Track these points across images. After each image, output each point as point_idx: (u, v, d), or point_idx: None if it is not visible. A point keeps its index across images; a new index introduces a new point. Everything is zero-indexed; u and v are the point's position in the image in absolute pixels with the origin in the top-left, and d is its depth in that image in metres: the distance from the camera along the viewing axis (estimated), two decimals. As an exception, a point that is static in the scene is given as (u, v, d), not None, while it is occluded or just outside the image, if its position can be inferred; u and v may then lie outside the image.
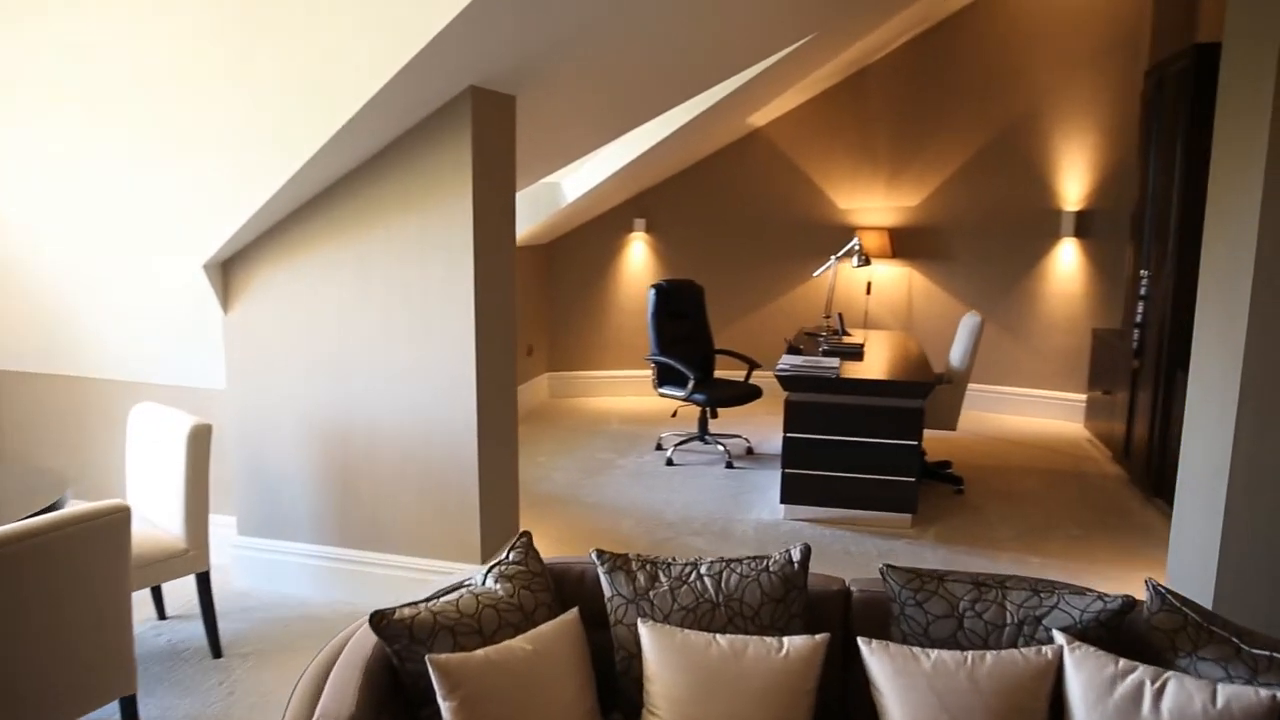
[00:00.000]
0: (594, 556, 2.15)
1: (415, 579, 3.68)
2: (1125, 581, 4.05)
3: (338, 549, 3.79)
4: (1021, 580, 2.05)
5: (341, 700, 1.77)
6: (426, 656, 1.80)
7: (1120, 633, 1.94)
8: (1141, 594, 3.83)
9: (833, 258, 6.29)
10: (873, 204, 7.32)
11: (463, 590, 2.05)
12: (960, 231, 7.15)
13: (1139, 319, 5.28)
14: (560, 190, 6.57)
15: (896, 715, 1.88)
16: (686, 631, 1.99)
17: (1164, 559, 4.32)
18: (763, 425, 6.75)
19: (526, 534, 2.24)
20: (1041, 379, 7.07)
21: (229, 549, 3.95)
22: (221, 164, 3.17)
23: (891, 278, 7.34)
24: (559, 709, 1.91)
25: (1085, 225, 6.80)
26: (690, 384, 5.66)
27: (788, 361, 4.92)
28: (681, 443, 6.09)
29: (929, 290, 7.28)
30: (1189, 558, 3.31)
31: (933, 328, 7.28)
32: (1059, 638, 1.90)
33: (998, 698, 1.84)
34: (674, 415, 7.05)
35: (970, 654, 1.90)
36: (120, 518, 2.40)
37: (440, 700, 1.80)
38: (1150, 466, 5.01)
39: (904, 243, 7.26)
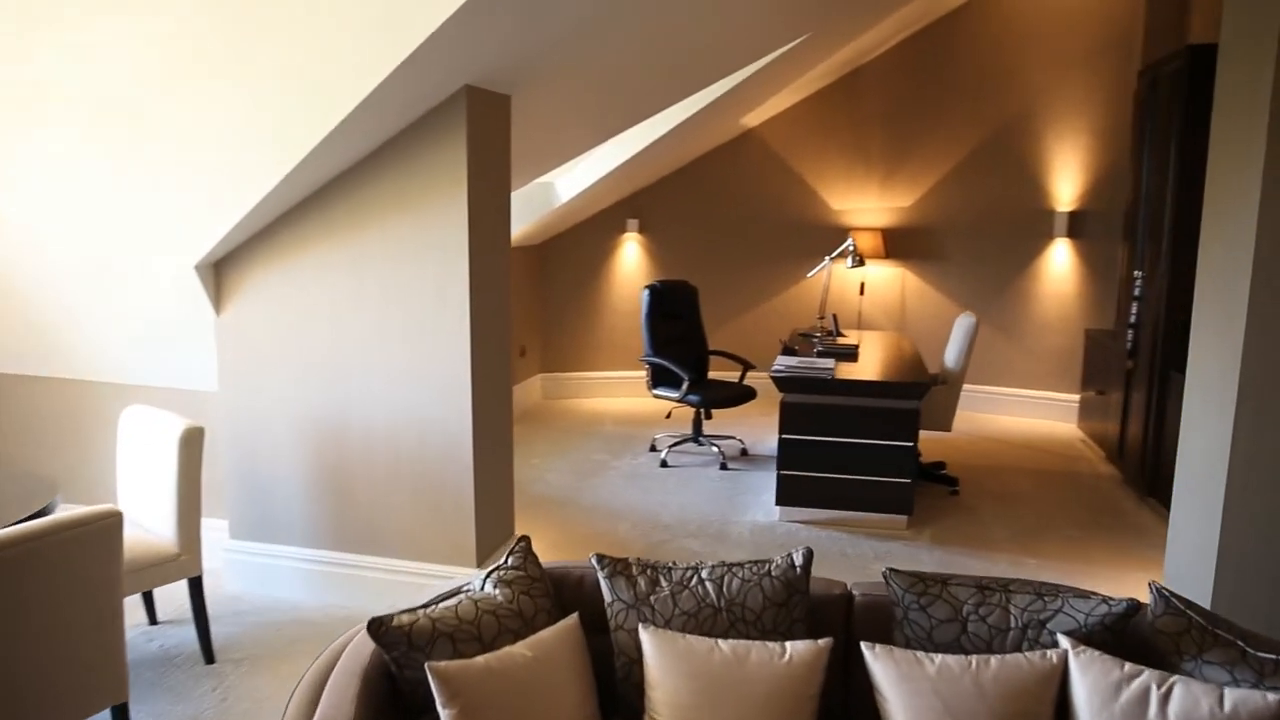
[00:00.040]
0: (594, 561, 2.13)
1: (410, 582, 3.65)
2: (1122, 582, 4.05)
3: (331, 552, 3.75)
4: (1025, 584, 2.04)
5: (339, 708, 1.74)
6: (426, 664, 1.78)
7: (1124, 636, 1.93)
8: (1140, 595, 3.84)
9: (827, 258, 6.28)
10: (866, 204, 7.31)
11: (461, 596, 2.02)
12: (953, 232, 7.15)
13: (1133, 319, 5.29)
14: (554, 190, 6.55)
15: (901, 721, 1.87)
16: (688, 637, 1.97)
17: (1160, 559, 4.32)
18: (757, 426, 6.74)
19: (525, 539, 2.21)
20: (1034, 379, 7.08)
21: (221, 553, 3.91)
22: (214, 163, 3.14)
23: (885, 278, 7.34)
24: (560, 716, 1.88)
25: (1078, 226, 6.81)
26: (685, 385, 5.64)
27: (783, 363, 4.91)
28: (676, 444, 6.07)
29: (922, 291, 7.28)
30: (1187, 558, 3.31)
31: (926, 328, 7.28)
32: (1064, 642, 1.89)
33: (1003, 702, 1.83)
34: (668, 416, 7.03)
35: (975, 658, 1.89)
36: (112, 523, 2.37)
37: (440, 708, 1.77)
38: (1144, 467, 5.02)
39: (897, 243, 7.26)
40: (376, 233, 3.47)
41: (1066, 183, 6.80)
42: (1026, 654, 1.88)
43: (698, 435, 6.03)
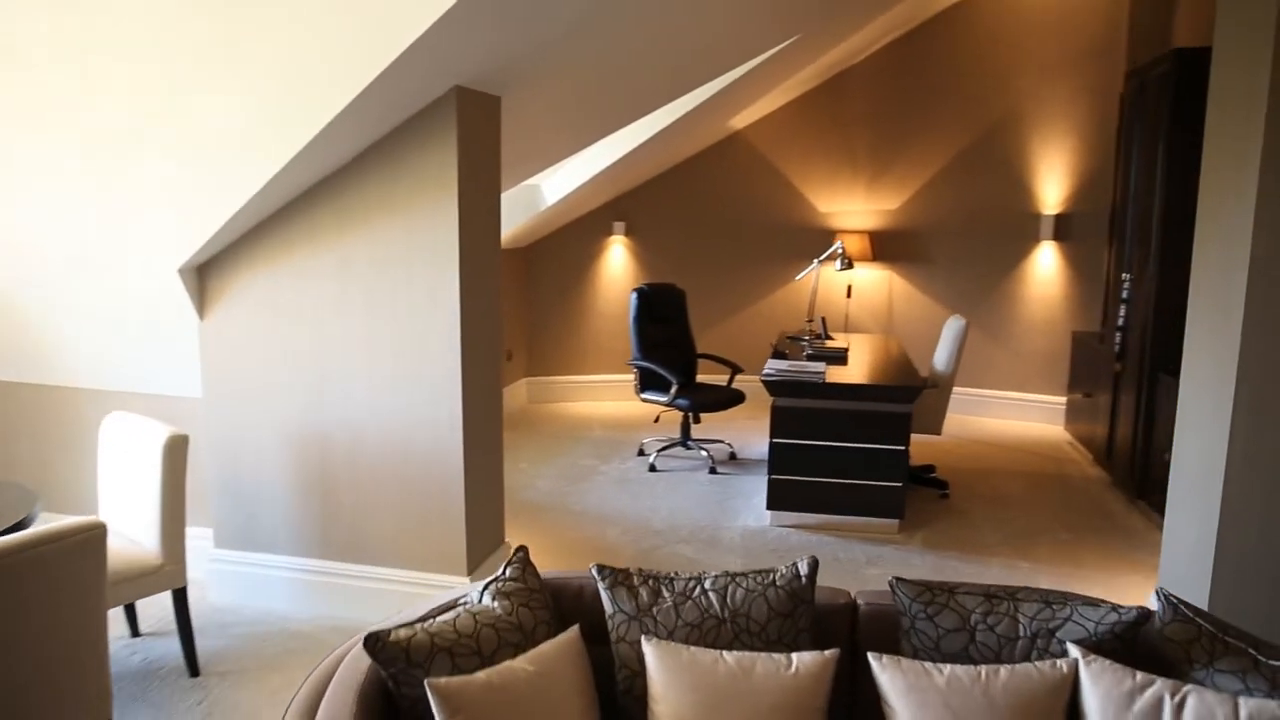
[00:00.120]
0: (594, 572, 2.08)
1: (399, 591, 3.58)
2: (1116, 586, 4.04)
3: (319, 561, 3.68)
4: (1032, 591, 2.01)
5: (336, 728, 1.69)
6: (425, 681, 1.72)
7: (1133, 645, 1.91)
8: (1134, 598, 3.84)
9: (815, 261, 6.26)
10: (853, 207, 7.31)
11: (459, 609, 1.97)
12: (940, 235, 7.15)
13: (1121, 322, 5.30)
14: (540, 193, 6.50)
15: (910, 733, 1.83)
16: (693, 649, 1.93)
17: (1150, 561, 4.32)
18: (745, 430, 6.71)
19: (523, 549, 2.17)
20: (1021, 382, 7.09)
21: (205, 563, 3.83)
22: (198, 166, 3.07)
23: (872, 281, 7.34)
24: (562, 732, 1.84)
25: (1064, 228, 6.83)
26: (673, 389, 5.60)
27: (774, 366, 4.88)
28: (664, 448, 6.03)
29: (909, 293, 7.28)
30: (1182, 562, 3.30)
31: (913, 331, 7.28)
32: (1074, 651, 1.86)
33: (1014, 713, 1.80)
34: (656, 420, 6.99)
35: (984, 669, 1.86)
36: (95, 535, 2.30)
37: (439, 726, 1.72)
38: (1134, 469, 5.03)
39: (884, 246, 7.26)
40: (364, 236, 3.41)
41: (1052, 186, 6.82)
42: (1036, 664, 1.86)
43: (686, 439, 6.00)
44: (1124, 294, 5.29)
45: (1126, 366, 5.22)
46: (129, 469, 3.15)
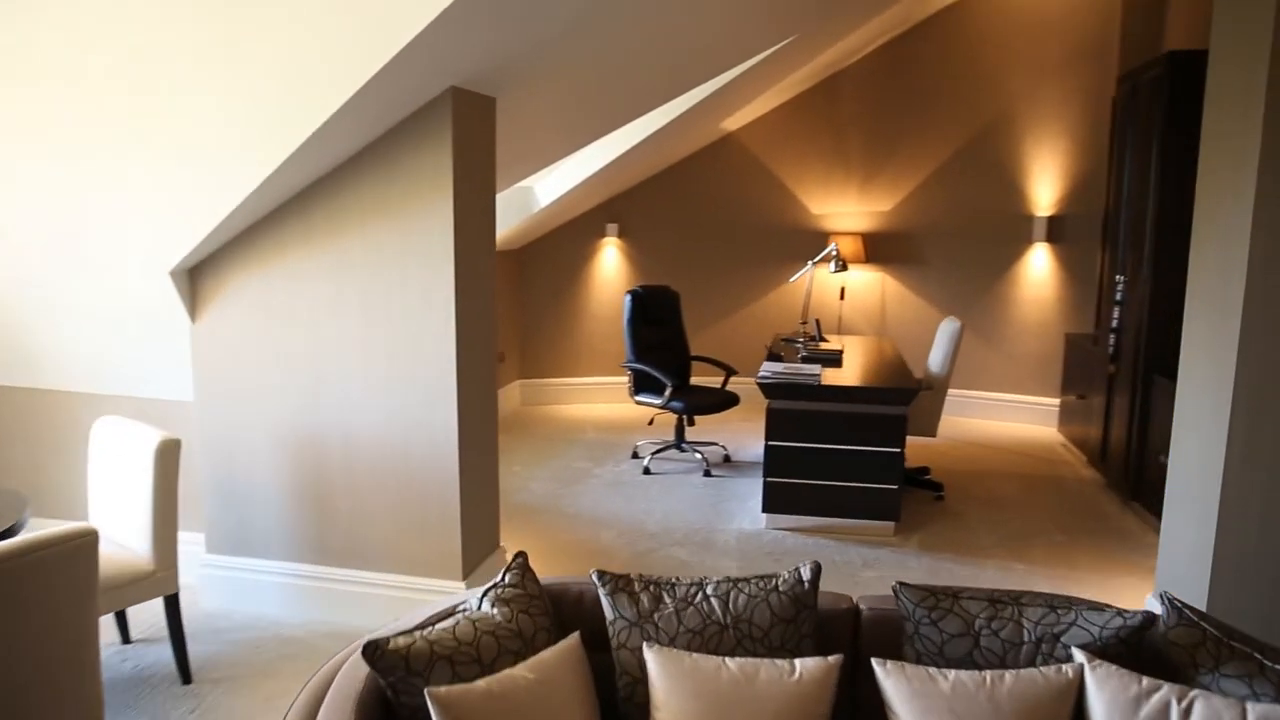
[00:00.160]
0: (594, 578, 2.06)
1: (394, 596, 3.55)
2: (1112, 588, 4.04)
3: (312, 566, 3.65)
4: (1037, 596, 2.00)
5: (334, 738, 1.66)
6: (425, 690, 1.70)
7: (1138, 649, 1.90)
8: (1134, 601, 3.83)
9: (809, 263, 6.25)
10: (846, 209, 7.31)
11: (459, 616, 1.95)
12: (933, 236, 7.16)
13: (1115, 323, 5.30)
14: (533, 194, 6.47)
15: (915, 740, 1.82)
16: (695, 655, 1.91)
17: (1145, 563, 4.32)
18: (739, 432, 6.70)
19: (522, 554, 2.14)
20: (1014, 383, 7.10)
21: (197, 568, 3.79)
22: (190, 167, 3.04)
23: (865, 283, 7.34)
24: (564, 740, 1.81)
25: (1056, 230, 6.84)
26: (668, 391, 5.59)
27: (769, 369, 4.86)
28: (658, 451, 6.01)
29: (902, 295, 7.28)
30: (1180, 564, 3.30)
31: (906, 333, 7.28)
32: (1079, 655, 1.85)
33: (1019, 719, 1.78)
34: (651, 423, 6.97)
35: (989, 674, 1.84)
36: (88, 542, 2.26)
37: (440, 735, 1.69)
38: (1128, 471, 5.03)
39: (877, 248, 7.26)
40: (359, 237, 3.38)
41: (1045, 188, 6.84)
42: (1042, 669, 1.84)
43: (680, 442, 5.98)
44: (1118, 296, 5.29)
45: (1121, 368, 5.23)
46: (120, 474, 3.11)
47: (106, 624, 3.51)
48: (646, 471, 5.70)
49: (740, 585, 2.02)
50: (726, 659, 1.90)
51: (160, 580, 3.05)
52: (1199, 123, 3.60)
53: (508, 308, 7.25)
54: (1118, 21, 6.44)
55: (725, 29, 4.17)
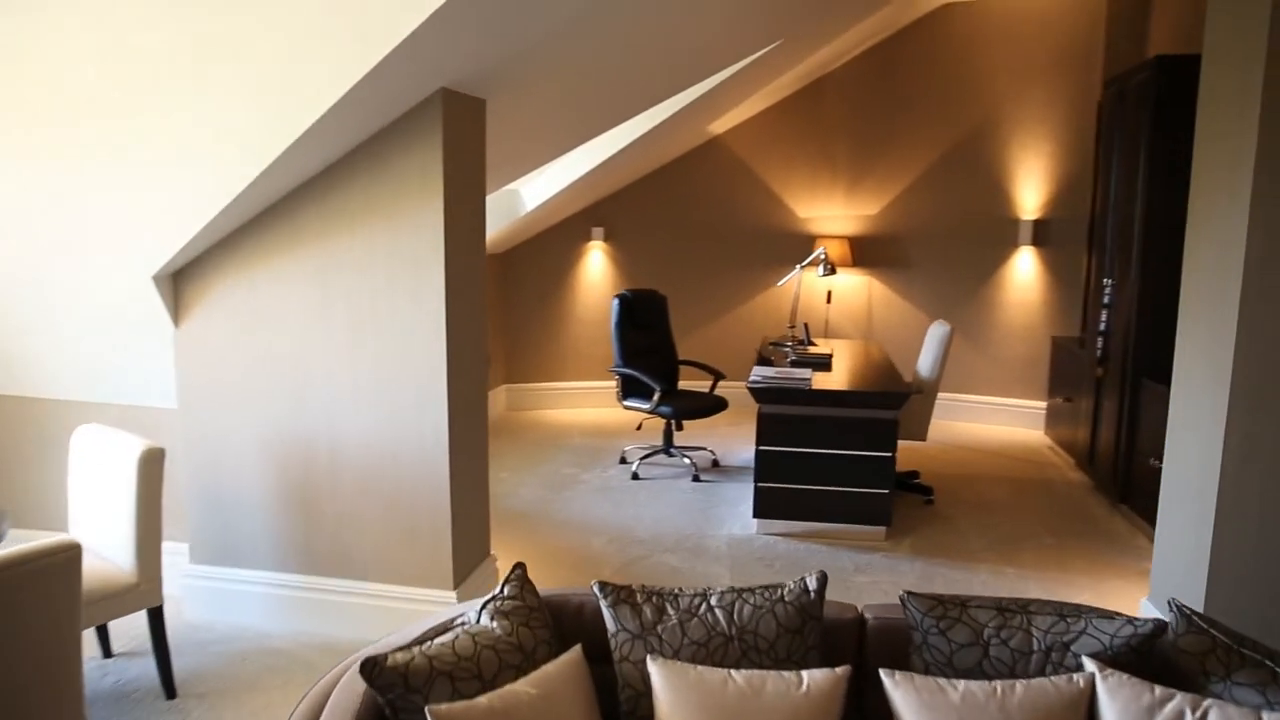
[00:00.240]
0: (596, 589, 2.02)
1: (384, 606, 3.49)
2: (1104, 591, 4.04)
3: (300, 576, 3.58)
4: (1045, 604, 1.97)
5: (332, 758, 1.61)
6: (426, 708, 1.65)
7: (1148, 657, 1.87)
8: (1128, 604, 3.82)
9: (798, 267, 6.24)
10: (832, 212, 7.30)
11: (457, 630, 1.90)
12: (919, 240, 7.17)
13: (1103, 327, 5.32)
14: (519, 198, 6.42)
15: (926, 752, 1.78)
16: (700, 668, 1.87)
17: (1136, 566, 4.32)
18: (727, 437, 6.67)
19: (521, 565, 2.10)
20: (1001, 386, 7.11)
21: (180, 579, 3.70)
22: (175, 168, 2.97)
23: (851, 286, 7.33)
24: (567, 757, 1.77)
25: (1042, 234, 6.86)
26: (656, 396, 5.55)
27: (760, 373, 4.83)
28: (646, 456, 5.97)
29: (889, 299, 7.29)
30: (1178, 569, 3.29)
31: (893, 336, 7.28)
32: (1089, 665, 1.82)
33: (1031, 731, 1.76)
34: (639, 428, 6.93)
35: (1000, 684, 1.81)
36: (70, 557, 2.19)
37: (441, 754, 1.64)
38: (1116, 474, 5.04)
39: (864, 251, 7.26)
40: (348, 240, 3.32)
41: (1030, 191, 6.86)
42: (1052, 678, 1.81)
43: (669, 447, 5.94)
44: (1106, 299, 5.31)
45: (1109, 371, 5.24)
46: (102, 483, 3.03)
47: (87, 637, 3.42)
48: (635, 477, 5.65)
49: (745, 596, 1.99)
50: (732, 671, 1.87)
51: (144, 593, 2.98)
52: (1187, 127, 3.60)
53: (493, 312, 7.19)
54: (1102, 26, 6.47)
55: (713, 33, 4.15)
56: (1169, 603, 1.95)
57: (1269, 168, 2.79)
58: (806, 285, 7.34)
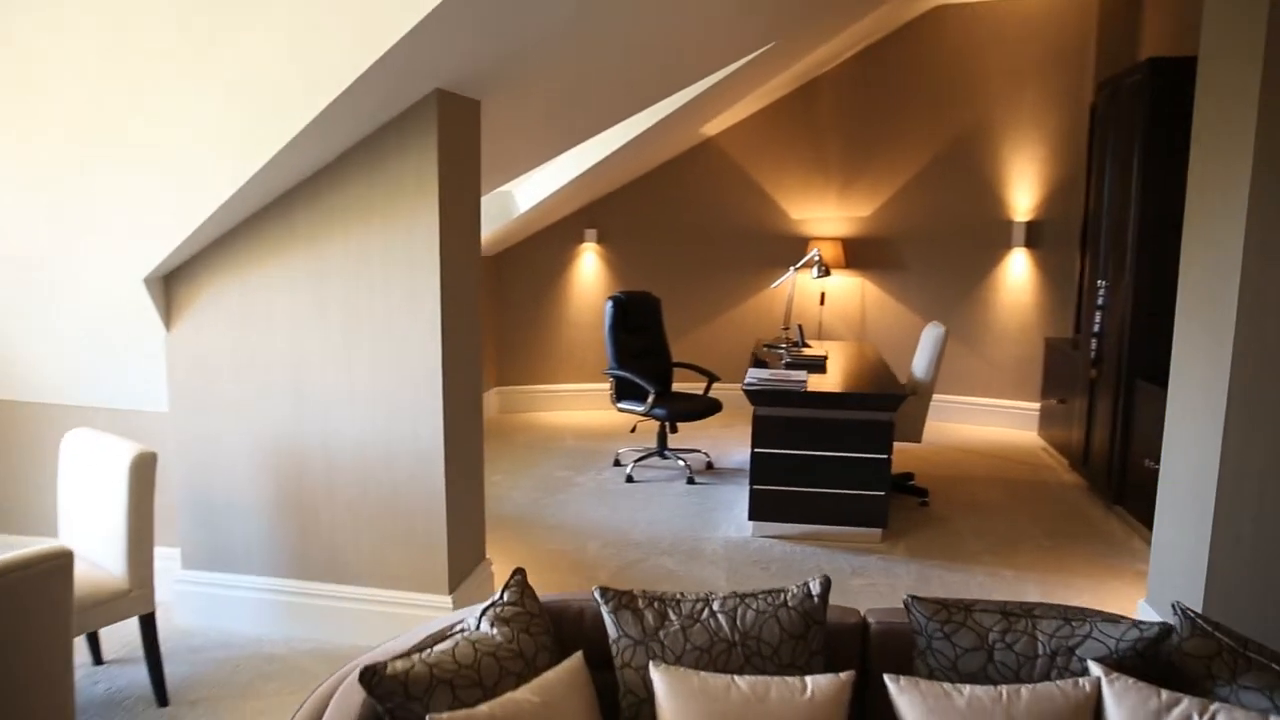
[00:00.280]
0: (597, 595, 1.99)
1: (378, 611, 3.46)
2: (1101, 592, 4.03)
3: (293, 581, 3.54)
4: (1050, 608, 1.96)
5: (331, 768, 1.58)
6: (427, 716, 1.62)
7: (1154, 661, 1.86)
8: (1125, 606, 3.82)
9: (792, 269, 6.23)
10: (825, 214, 7.30)
11: (457, 637, 1.87)
12: (912, 242, 7.17)
13: (1097, 328, 5.32)
14: (512, 200, 6.40)
15: (931, 758, 1.77)
16: (703, 674, 1.85)
17: (1132, 568, 4.32)
18: (721, 439, 6.65)
19: (520, 571, 2.07)
20: (994, 388, 7.12)
21: (172, 584, 3.66)
22: (167, 169, 2.93)
23: (845, 288, 7.33)
24: (569, 765, 1.74)
25: (1035, 235, 6.87)
26: (650, 398, 5.53)
27: (755, 375, 4.82)
28: (641, 459, 5.95)
29: (882, 300, 7.29)
30: (1175, 571, 3.29)
31: (887, 338, 7.28)
32: (1095, 669, 1.81)
33: (1037, 736, 1.74)
34: (633, 430, 6.90)
35: (1005, 689, 1.80)
36: (61, 564, 2.16)
37: (442, 763, 1.62)
38: (1110, 475, 5.04)
39: (857, 253, 7.25)
40: (342, 242, 3.29)
41: (1023, 193, 6.87)
42: (1058, 683, 1.80)
43: (663, 449, 5.92)
44: (1100, 300, 5.31)
45: (1103, 373, 5.24)
46: (92, 489, 3.00)
47: (78, 644, 3.38)
48: (629, 479, 5.63)
49: (748, 601, 1.97)
50: (736, 677, 1.85)
51: (135, 599, 2.94)
52: (1181, 128, 3.61)
53: (485, 313, 7.16)
54: (1094, 28, 6.49)
55: (706, 35, 4.14)
56: (1173, 606, 1.94)
57: (1266, 167, 2.78)
58: (800, 287, 7.34)
